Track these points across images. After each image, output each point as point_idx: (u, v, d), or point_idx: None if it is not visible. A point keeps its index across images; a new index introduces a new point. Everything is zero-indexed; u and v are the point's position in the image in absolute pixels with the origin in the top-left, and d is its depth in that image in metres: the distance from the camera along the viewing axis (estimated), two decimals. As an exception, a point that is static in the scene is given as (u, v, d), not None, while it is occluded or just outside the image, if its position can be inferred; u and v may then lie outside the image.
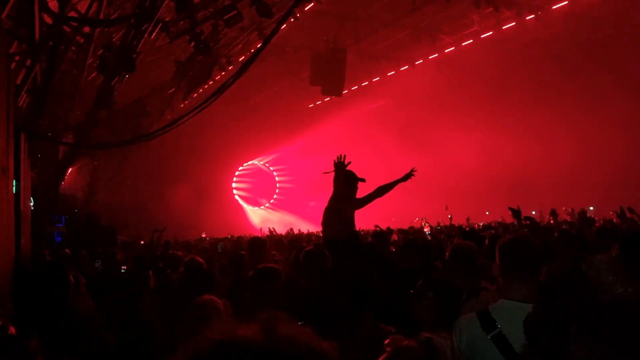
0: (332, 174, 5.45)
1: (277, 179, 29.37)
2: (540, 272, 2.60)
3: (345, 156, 5.46)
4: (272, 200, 28.97)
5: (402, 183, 5.69)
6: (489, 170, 20.51)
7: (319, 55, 16.00)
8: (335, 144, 21.09)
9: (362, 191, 5.56)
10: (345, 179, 5.37)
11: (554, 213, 9.83)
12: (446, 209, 14.86)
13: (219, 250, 7.36)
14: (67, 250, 7.50)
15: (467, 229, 10.53)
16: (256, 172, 29.04)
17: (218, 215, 23.23)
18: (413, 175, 5.67)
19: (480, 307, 2.57)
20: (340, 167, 5.39)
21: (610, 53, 16.15)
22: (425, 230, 9.16)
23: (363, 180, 5.43)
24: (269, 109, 22.82)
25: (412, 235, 9.51)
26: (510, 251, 2.46)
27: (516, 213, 8.80)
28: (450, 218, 15.19)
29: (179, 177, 22.54)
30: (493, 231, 9.79)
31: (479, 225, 13.87)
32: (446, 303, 2.62)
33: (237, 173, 28.20)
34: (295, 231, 18.41)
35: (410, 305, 2.70)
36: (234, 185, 28.01)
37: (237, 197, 27.95)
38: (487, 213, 18.38)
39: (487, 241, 7.15)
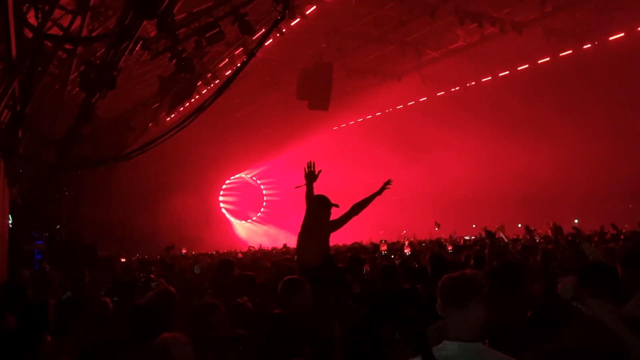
0: (304, 189, 4.97)
1: (264, 192, 29.24)
2: None
3: (314, 164, 4.98)
4: (259, 214, 28.81)
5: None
6: (478, 182, 20.62)
7: (305, 69, 16.06)
8: (322, 157, 21.10)
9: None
10: (318, 202, 5.05)
11: (528, 230, 9.97)
12: (436, 228, 14.77)
13: (196, 272, 7.11)
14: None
15: (448, 244, 10.50)
16: (243, 186, 28.89)
17: (204, 230, 23.03)
18: (388, 187, 5.51)
19: None
20: (311, 177, 4.94)
21: (592, 68, 16.41)
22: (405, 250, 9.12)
23: (336, 205, 5.14)
24: (256, 122, 22.79)
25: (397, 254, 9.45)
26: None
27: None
28: (436, 229, 15.15)
29: (165, 190, 22.33)
30: (478, 247, 9.81)
31: (464, 240, 13.89)
32: (415, 345, 2.56)
33: (224, 186, 28.02)
34: (280, 245, 18.30)
35: (382, 346, 2.64)
36: (220, 198, 27.81)
37: (224, 210, 27.74)
38: (473, 226, 18.39)
39: (472, 261, 7.12)
